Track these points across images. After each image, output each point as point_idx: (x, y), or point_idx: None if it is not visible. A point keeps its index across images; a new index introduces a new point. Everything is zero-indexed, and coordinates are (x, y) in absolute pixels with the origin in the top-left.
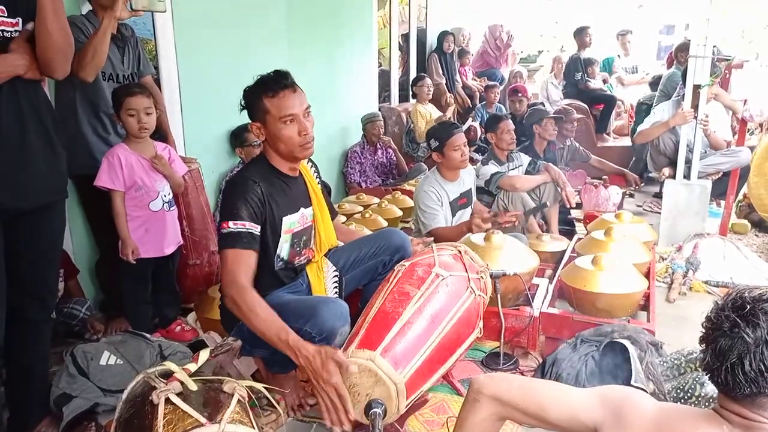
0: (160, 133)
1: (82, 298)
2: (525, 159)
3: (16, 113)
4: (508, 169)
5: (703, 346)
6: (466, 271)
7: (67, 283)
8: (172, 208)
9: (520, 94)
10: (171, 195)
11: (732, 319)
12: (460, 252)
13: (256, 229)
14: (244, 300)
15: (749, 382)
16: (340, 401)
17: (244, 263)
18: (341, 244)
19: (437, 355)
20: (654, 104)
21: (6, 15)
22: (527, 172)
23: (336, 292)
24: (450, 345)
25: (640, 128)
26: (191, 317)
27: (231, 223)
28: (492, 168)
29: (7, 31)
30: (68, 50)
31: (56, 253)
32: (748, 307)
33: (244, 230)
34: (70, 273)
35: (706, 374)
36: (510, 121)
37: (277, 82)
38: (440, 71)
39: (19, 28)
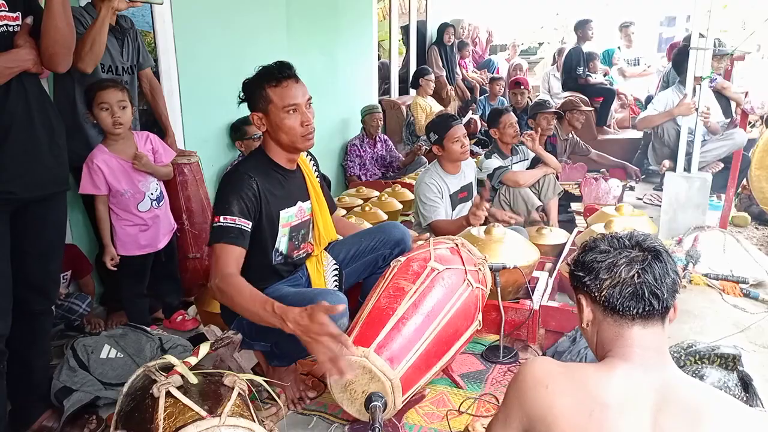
0: (160, 127)
1: (82, 293)
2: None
3: (25, 106)
4: (512, 162)
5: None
6: (464, 264)
7: (79, 282)
8: (161, 204)
9: (522, 87)
10: (159, 189)
11: (642, 248)
12: (457, 245)
13: (246, 225)
14: (228, 284)
15: (671, 293)
16: (337, 345)
17: (231, 256)
18: (341, 237)
19: (434, 349)
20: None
21: (7, 9)
22: (533, 164)
23: (336, 286)
24: (447, 339)
25: (642, 114)
26: (192, 310)
27: (221, 218)
28: (495, 162)
29: (11, 26)
30: (73, 44)
31: (60, 243)
32: (644, 240)
33: (233, 225)
34: (84, 270)
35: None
36: (512, 114)
37: (280, 72)
38: (440, 64)
39: (19, 22)
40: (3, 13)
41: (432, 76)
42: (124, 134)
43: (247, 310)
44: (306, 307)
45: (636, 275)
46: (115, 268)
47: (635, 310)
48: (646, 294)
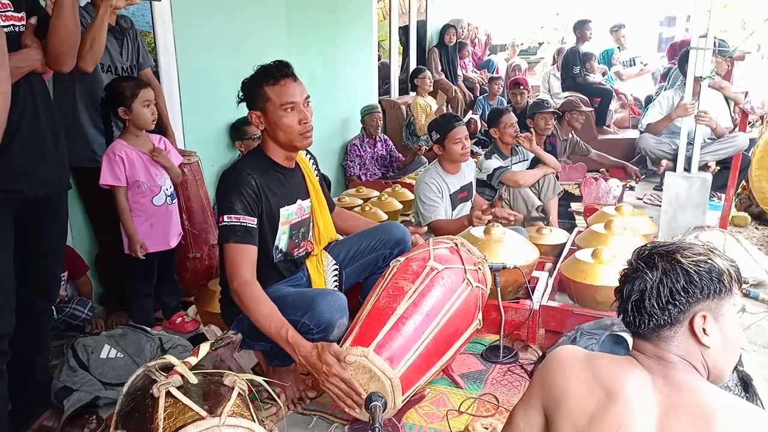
0: (160, 127)
1: (83, 298)
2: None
3: (32, 105)
4: (512, 163)
5: (618, 295)
6: (463, 264)
7: (76, 282)
8: (174, 201)
9: (521, 87)
10: (172, 188)
11: (635, 265)
12: (456, 245)
13: (251, 222)
14: (246, 293)
15: (651, 315)
16: (347, 386)
17: (245, 256)
18: (341, 237)
19: (434, 349)
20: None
21: (13, 10)
22: (532, 164)
23: (336, 286)
24: (447, 338)
25: (645, 120)
26: (191, 310)
27: (226, 217)
28: (495, 162)
29: (17, 26)
30: (78, 44)
31: (62, 243)
32: (647, 253)
33: (238, 224)
34: (80, 270)
35: (620, 318)
36: (512, 114)
37: (278, 70)
38: (440, 68)
39: (24, 22)
40: (9, 13)
41: (427, 73)
42: (143, 132)
43: (261, 326)
44: (317, 345)
45: (622, 299)
46: (144, 257)
47: (633, 326)
48: (629, 312)
